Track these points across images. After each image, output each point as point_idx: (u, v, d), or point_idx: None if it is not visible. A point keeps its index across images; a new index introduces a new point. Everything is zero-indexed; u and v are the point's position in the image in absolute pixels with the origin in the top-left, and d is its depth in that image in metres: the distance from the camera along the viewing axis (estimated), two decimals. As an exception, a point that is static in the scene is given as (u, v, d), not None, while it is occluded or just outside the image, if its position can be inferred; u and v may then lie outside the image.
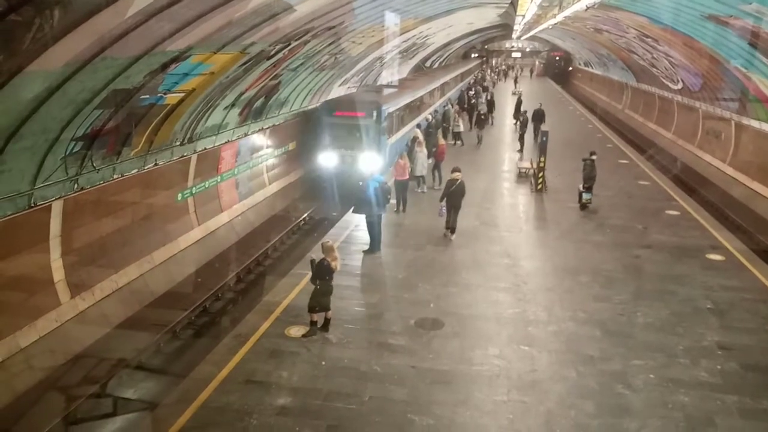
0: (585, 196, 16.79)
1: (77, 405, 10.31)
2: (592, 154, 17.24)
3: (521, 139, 26.66)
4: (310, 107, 24.64)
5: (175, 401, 7.79)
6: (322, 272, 9.47)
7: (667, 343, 9.42)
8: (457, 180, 14.09)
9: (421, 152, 18.18)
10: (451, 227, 14.21)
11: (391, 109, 23.00)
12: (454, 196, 14.05)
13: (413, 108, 28.88)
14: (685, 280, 12.00)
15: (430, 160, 19.52)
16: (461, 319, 10.13)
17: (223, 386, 8.04)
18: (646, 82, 37.56)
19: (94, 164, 12.16)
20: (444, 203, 14.06)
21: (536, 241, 14.58)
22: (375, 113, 21.42)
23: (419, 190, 18.22)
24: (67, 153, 11.10)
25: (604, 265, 12.73)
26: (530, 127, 28.38)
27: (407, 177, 16.51)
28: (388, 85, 31.29)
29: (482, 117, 29.41)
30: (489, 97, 36.91)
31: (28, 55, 7.90)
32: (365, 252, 13.11)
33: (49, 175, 10.96)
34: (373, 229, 13.20)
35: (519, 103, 34.25)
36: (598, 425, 7.39)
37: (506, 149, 27.00)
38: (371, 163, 20.03)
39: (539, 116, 29.26)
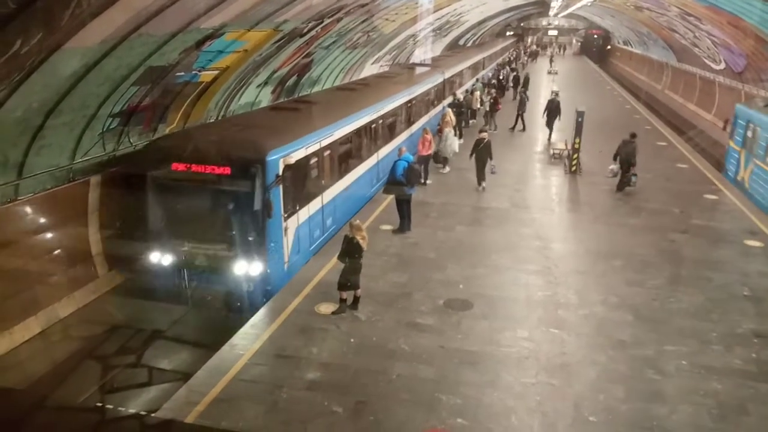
0: (633, 179, 16.38)
1: (113, 374, 10.63)
2: (632, 135, 16.78)
3: (517, 118, 25.53)
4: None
5: (208, 373, 7.97)
6: (352, 250, 9.52)
7: (700, 329, 9.25)
8: (484, 139, 16.17)
9: (451, 133, 18.01)
10: (478, 180, 16.31)
11: (299, 155, 11.04)
12: (481, 152, 16.05)
13: (380, 133, 16.80)
14: (722, 265, 11.74)
15: (461, 141, 19.26)
16: (490, 300, 10.10)
17: (254, 360, 8.21)
18: (687, 62, 36.44)
19: (131, 140, 12.38)
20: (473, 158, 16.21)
21: (569, 224, 14.39)
22: (254, 169, 10.06)
23: (444, 171, 17.98)
24: (105, 129, 11.32)
25: (638, 249, 12.51)
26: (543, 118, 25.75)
27: (430, 152, 16.91)
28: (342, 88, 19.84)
29: (491, 101, 25.86)
30: (515, 74, 38.22)
31: (66, 31, 8.03)
32: (395, 231, 13.12)
33: (87, 150, 11.21)
34: (403, 208, 13.20)
35: (527, 80, 33.98)
36: (628, 410, 7.32)
37: (538, 129, 26.44)
38: (247, 269, 10.63)
39: (554, 109, 23.00)
